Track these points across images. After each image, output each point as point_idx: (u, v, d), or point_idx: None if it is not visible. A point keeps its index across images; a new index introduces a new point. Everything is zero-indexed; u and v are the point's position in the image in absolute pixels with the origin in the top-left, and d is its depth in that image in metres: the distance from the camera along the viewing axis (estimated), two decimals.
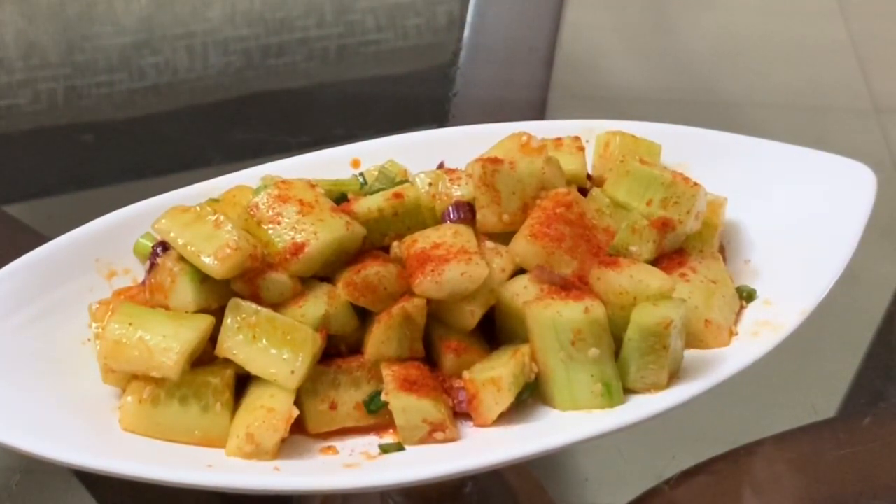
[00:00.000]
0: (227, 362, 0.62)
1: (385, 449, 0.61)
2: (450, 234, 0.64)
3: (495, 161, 0.66)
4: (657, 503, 0.75)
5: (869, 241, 0.68)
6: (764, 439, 0.78)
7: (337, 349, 0.64)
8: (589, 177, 0.72)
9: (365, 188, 0.71)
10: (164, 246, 0.65)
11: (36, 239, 0.71)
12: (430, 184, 0.68)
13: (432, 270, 0.62)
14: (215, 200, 0.70)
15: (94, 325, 0.66)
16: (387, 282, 0.63)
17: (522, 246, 0.64)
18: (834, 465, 0.77)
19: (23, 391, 0.62)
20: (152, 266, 0.65)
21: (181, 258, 0.63)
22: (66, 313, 0.67)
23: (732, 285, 0.67)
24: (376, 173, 0.72)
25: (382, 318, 0.62)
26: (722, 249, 0.71)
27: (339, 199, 0.69)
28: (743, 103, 1.23)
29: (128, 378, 0.62)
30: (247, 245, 0.62)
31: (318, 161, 0.75)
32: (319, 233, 0.63)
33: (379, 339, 0.62)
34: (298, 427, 0.61)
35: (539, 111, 1.15)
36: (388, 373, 0.62)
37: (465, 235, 0.64)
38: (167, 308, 0.63)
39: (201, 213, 0.64)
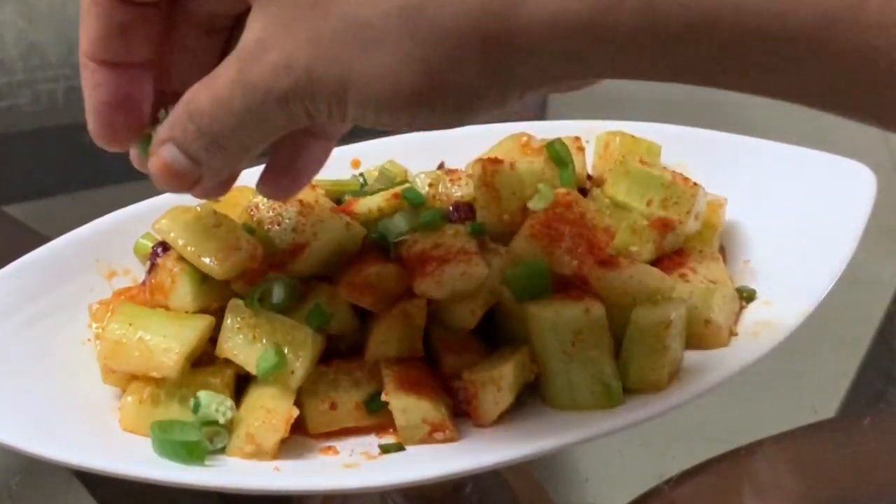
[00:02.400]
0: (227, 362, 0.62)
1: (385, 449, 0.61)
2: (450, 234, 0.64)
3: (495, 161, 0.66)
4: (657, 503, 0.75)
5: (869, 241, 0.68)
6: (764, 439, 0.78)
7: (337, 349, 0.64)
8: (589, 177, 0.72)
9: (365, 188, 0.71)
10: (164, 246, 0.65)
11: (36, 239, 0.71)
12: (430, 184, 0.68)
13: (432, 270, 0.62)
14: (216, 200, 0.70)
15: (94, 325, 0.66)
16: (387, 282, 0.63)
17: (522, 246, 0.64)
18: (834, 465, 0.77)
19: (23, 391, 0.62)
20: (152, 266, 0.65)
21: (181, 258, 0.63)
22: (66, 313, 0.67)
23: (732, 285, 0.67)
24: (376, 173, 0.72)
25: (382, 319, 0.62)
26: (722, 249, 0.71)
27: (339, 199, 0.69)
28: (743, 103, 1.22)
29: (128, 378, 0.62)
30: (247, 245, 0.62)
31: None
32: (319, 233, 0.63)
33: (379, 339, 0.62)
34: (298, 427, 0.61)
35: (539, 111, 1.15)
36: (388, 373, 0.62)
37: (465, 235, 0.64)
38: (167, 308, 0.63)
39: (201, 214, 0.64)
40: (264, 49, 0.47)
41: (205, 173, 0.52)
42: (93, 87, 0.53)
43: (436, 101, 0.45)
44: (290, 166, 0.57)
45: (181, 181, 0.52)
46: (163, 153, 0.52)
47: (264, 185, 0.58)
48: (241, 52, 0.48)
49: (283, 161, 0.57)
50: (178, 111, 0.51)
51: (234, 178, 0.57)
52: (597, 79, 0.48)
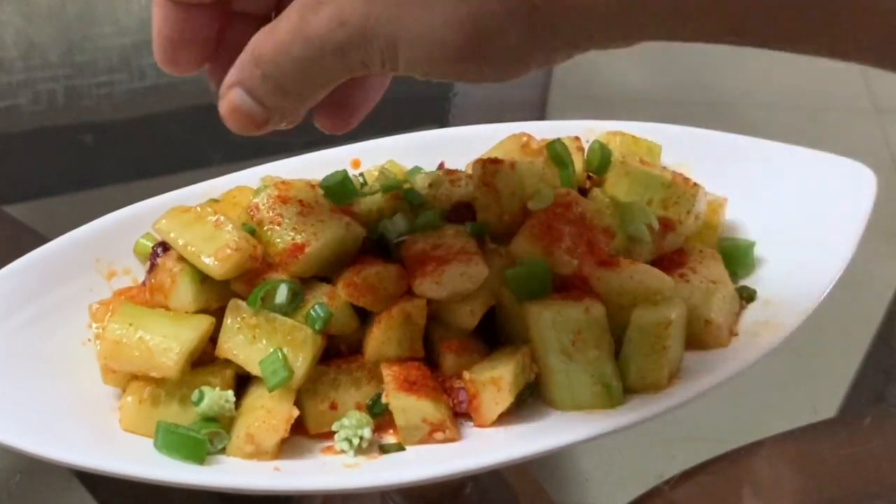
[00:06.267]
0: (227, 362, 0.62)
1: (385, 449, 0.61)
2: (450, 234, 0.64)
3: (495, 161, 0.66)
4: (657, 503, 0.75)
5: (869, 241, 0.68)
6: (764, 439, 0.78)
7: (337, 349, 0.64)
8: (589, 177, 0.72)
9: (365, 188, 0.71)
10: (164, 246, 0.65)
11: (36, 239, 0.71)
12: (430, 184, 0.68)
13: (432, 271, 0.62)
14: (215, 201, 0.70)
15: (94, 325, 0.66)
16: (387, 282, 0.63)
17: (522, 246, 0.64)
18: (834, 465, 0.77)
19: (23, 391, 0.62)
20: (152, 266, 0.65)
21: (181, 258, 0.63)
22: (66, 313, 0.67)
23: (732, 285, 0.67)
24: (376, 173, 0.72)
25: (382, 319, 0.62)
26: None
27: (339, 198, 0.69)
28: (743, 103, 1.23)
29: (128, 378, 0.62)
30: (247, 245, 0.62)
31: (318, 161, 0.75)
32: (319, 233, 0.63)
33: (379, 339, 0.62)
34: (298, 427, 0.61)
35: (539, 111, 1.15)
36: (388, 373, 0.62)
37: (465, 235, 0.64)
38: (167, 308, 0.63)
39: (201, 214, 0.64)
40: (321, 1, 0.48)
41: (272, 115, 0.54)
42: (161, 20, 0.56)
43: (481, 59, 0.47)
44: (347, 101, 0.59)
45: (249, 123, 0.54)
46: (231, 96, 0.54)
47: (320, 118, 0.59)
48: (300, 2, 0.49)
49: (339, 96, 0.58)
50: (244, 56, 0.53)
51: (299, 117, 0.58)
52: (642, 39, 0.47)
